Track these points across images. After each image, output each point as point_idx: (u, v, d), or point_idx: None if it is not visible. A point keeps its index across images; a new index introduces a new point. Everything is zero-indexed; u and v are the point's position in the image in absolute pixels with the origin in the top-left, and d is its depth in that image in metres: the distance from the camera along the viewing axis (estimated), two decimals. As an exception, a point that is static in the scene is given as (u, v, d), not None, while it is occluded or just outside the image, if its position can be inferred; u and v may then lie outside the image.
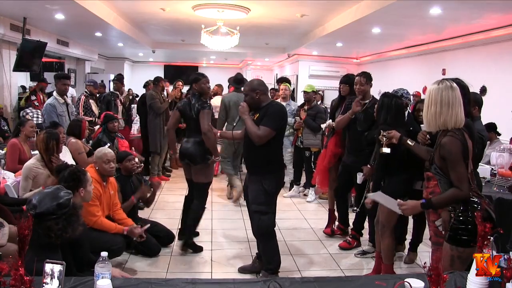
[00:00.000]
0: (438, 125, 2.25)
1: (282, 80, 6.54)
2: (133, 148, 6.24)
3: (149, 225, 3.69)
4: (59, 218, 2.02)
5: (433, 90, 2.25)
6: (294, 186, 6.16)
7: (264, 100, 3.26)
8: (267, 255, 3.32)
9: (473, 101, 3.30)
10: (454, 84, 2.26)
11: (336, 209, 4.60)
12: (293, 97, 7.11)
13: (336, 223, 4.63)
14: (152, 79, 7.02)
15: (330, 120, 4.60)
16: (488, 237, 1.86)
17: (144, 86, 7.59)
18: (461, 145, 2.19)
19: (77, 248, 2.49)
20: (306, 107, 5.75)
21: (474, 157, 2.34)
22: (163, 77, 7.15)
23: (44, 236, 2.00)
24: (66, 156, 4.20)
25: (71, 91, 8.59)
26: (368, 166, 3.76)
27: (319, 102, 6.97)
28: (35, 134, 4.47)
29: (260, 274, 3.32)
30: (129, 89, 7.78)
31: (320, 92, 8.54)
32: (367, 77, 4.06)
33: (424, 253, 3.95)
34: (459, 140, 2.19)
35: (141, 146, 6.86)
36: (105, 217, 3.52)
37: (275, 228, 3.34)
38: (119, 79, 7.14)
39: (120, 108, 6.79)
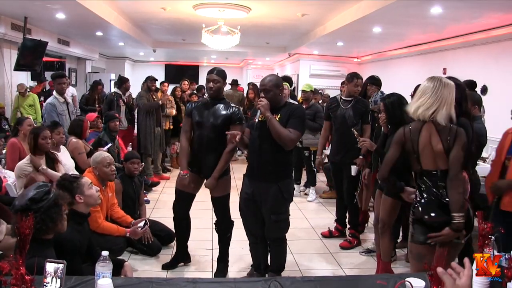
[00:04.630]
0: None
1: (285, 79, 6.56)
2: (130, 144, 6.27)
3: (144, 222, 3.69)
4: (37, 213, 2.00)
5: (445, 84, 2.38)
6: (295, 185, 6.15)
7: (283, 98, 3.08)
8: (281, 258, 3.22)
9: (472, 101, 3.31)
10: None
11: (336, 210, 4.62)
12: (294, 96, 7.12)
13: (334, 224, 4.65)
14: (151, 77, 7.05)
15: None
16: (489, 236, 1.87)
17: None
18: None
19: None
20: (304, 107, 5.78)
21: (471, 157, 2.38)
22: (164, 76, 7.16)
23: None
24: (64, 155, 4.20)
25: (72, 90, 8.57)
26: (360, 157, 3.86)
27: (320, 102, 6.98)
28: None
29: (267, 276, 3.29)
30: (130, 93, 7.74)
31: (321, 91, 8.52)
32: (348, 78, 4.29)
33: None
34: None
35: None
36: (104, 218, 3.53)
37: None
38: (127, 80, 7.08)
39: (123, 108, 6.80)
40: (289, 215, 3.17)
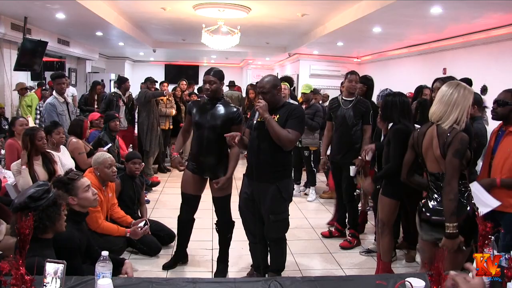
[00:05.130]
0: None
1: (286, 79, 6.57)
2: (131, 145, 6.27)
3: (145, 221, 3.69)
4: (34, 211, 1.99)
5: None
6: (295, 185, 6.16)
7: (281, 98, 3.07)
8: (280, 258, 3.18)
9: None
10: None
11: (336, 209, 4.63)
12: (294, 96, 7.13)
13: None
14: (151, 78, 7.11)
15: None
16: (489, 236, 1.87)
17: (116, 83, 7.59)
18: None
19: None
20: (304, 107, 5.81)
21: (470, 156, 2.39)
22: (164, 76, 7.21)
23: None
24: (64, 155, 4.20)
25: (72, 90, 8.57)
26: (359, 158, 3.87)
27: (320, 102, 6.99)
28: None
29: (267, 275, 3.29)
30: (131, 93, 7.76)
31: (321, 92, 8.53)
32: (359, 77, 4.35)
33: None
34: None
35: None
36: (104, 218, 3.54)
37: None
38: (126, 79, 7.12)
39: (123, 108, 6.81)
40: (289, 215, 3.15)
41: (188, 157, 3.59)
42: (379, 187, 3.54)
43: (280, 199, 3.01)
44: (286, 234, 3.19)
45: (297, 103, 6.23)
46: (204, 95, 3.44)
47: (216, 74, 3.30)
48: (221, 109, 3.32)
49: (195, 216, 3.67)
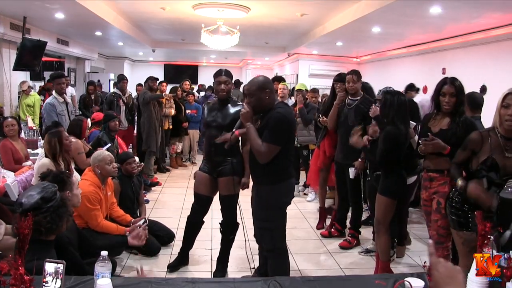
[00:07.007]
0: None
1: (278, 79, 6.56)
2: (131, 145, 6.26)
3: (144, 220, 3.69)
4: (47, 212, 2.01)
5: None
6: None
7: (271, 101, 2.75)
8: (274, 272, 2.85)
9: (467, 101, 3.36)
10: None
11: (336, 209, 4.62)
12: (292, 96, 7.13)
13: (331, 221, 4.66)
14: (152, 77, 7.12)
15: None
16: (489, 236, 1.87)
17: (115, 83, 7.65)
18: None
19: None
20: (300, 107, 5.80)
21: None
22: (163, 76, 7.23)
23: (35, 232, 1.99)
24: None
25: (71, 90, 8.58)
26: (359, 160, 3.85)
27: (319, 101, 6.98)
28: (16, 132, 4.47)
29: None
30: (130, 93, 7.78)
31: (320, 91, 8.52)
32: (358, 75, 4.22)
33: (424, 252, 3.95)
34: None
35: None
36: (104, 217, 3.54)
37: None
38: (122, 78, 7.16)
39: (123, 108, 6.81)
40: (276, 228, 2.89)
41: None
42: (373, 178, 3.55)
43: (259, 204, 2.87)
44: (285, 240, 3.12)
45: (294, 102, 6.23)
46: (217, 96, 3.45)
47: (228, 74, 3.34)
48: (230, 108, 3.33)
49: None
